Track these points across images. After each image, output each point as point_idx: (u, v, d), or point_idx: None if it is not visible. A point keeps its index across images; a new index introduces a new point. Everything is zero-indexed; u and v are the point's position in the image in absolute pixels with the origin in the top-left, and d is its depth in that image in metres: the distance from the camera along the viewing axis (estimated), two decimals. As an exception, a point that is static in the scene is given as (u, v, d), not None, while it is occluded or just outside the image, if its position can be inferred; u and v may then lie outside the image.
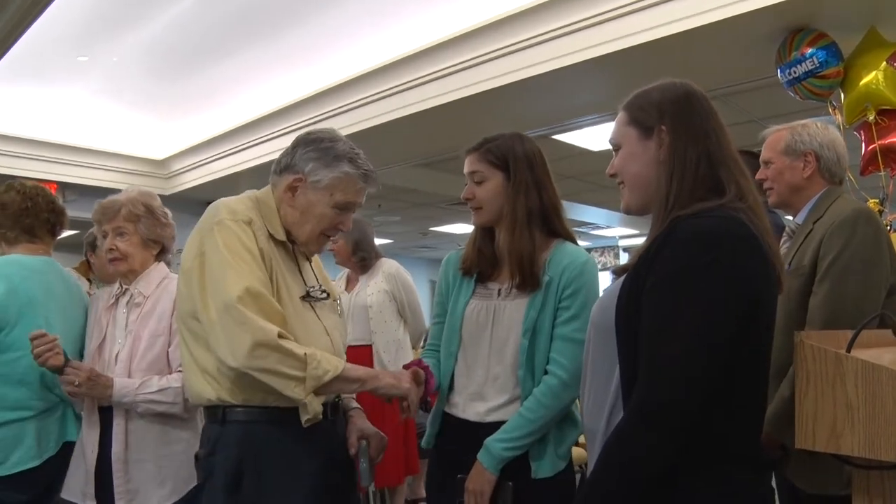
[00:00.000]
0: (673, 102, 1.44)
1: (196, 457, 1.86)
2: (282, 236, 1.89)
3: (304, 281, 1.95)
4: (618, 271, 1.49)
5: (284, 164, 1.92)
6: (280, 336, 1.67)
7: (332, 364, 1.71)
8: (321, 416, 1.74)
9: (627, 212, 1.54)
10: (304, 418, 1.71)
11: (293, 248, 1.94)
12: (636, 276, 1.36)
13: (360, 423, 2.00)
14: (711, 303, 1.24)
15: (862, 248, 2.11)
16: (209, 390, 1.77)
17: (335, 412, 1.93)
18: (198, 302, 1.74)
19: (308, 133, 1.95)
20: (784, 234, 2.44)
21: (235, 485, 1.75)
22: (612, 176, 1.54)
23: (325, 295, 1.98)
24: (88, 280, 3.68)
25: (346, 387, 1.81)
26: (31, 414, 2.36)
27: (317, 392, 1.71)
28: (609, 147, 1.57)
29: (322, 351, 1.75)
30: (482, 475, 1.89)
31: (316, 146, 1.89)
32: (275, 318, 1.70)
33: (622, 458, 1.26)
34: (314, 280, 2.01)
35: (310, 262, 2.05)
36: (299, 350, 1.67)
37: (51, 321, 2.40)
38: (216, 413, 1.80)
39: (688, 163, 1.39)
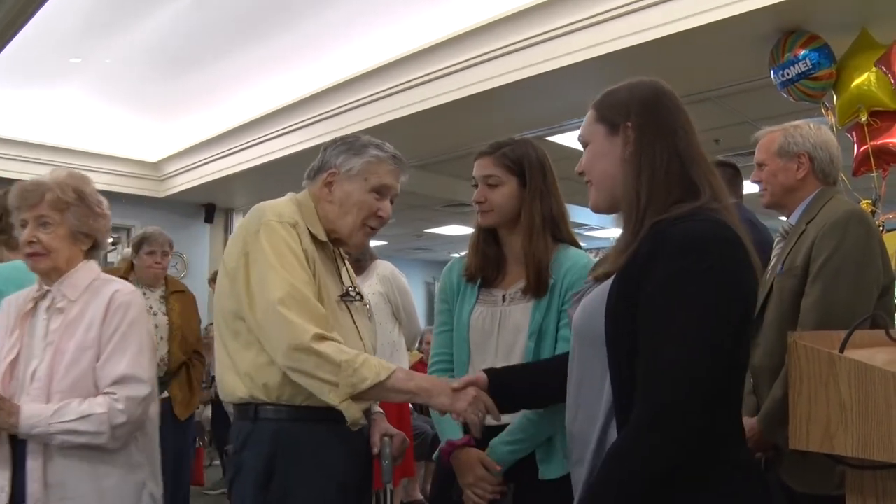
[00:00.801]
0: (640, 100, 1.43)
1: (225, 453, 1.90)
2: (323, 237, 1.92)
3: (341, 282, 2.00)
4: (599, 277, 1.47)
5: (316, 167, 1.99)
6: (321, 338, 1.68)
7: (374, 371, 1.68)
8: (363, 422, 1.77)
9: (596, 210, 1.53)
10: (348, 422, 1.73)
11: (333, 249, 1.99)
12: (626, 281, 1.34)
13: (384, 424, 2.03)
14: (711, 307, 1.24)
15: (854, 249, 2.11)
16: (242, 388, 1.80)
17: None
18: (244, 302, 1.78)
19: (335, 138, 2.04)
20: (777, 234, 2.44)
21: (265, 481, 1.77)
22: (581, 174, 1.53)
23: (360, 297, 2.04)
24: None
25: (391, 396, 1.76)
26: None
27: (357, 398, 1.69)
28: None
29: (370, 355, 1.75)
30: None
31: (342, 141, 1.99)
32: (319, 320, 1.73)
33: (628, 461, 1.25)
34: (350, 282, 2.05)
35: (346, 266, 2.10)
36: (337, 356, 1.67)
37: None
38: (248, 410, 1.81)
39: (657, 161, 1.38)
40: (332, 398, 1.67)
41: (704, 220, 1.31)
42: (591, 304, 1.44)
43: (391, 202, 2.00)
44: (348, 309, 1.97)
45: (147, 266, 3.86)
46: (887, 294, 2.20)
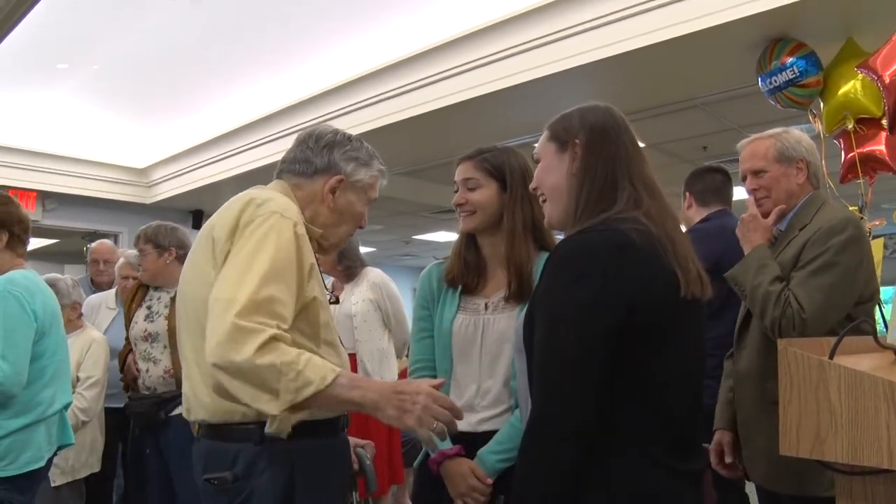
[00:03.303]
0: (590, 122, 1.54)
1: (211, 481, 1.64)
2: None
3: (324, 283, 1.92)
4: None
5: (321, 166, 1.83)
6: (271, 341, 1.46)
7: (319, 374, 1.45)
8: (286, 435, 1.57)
9: (549, 226, 1.63)
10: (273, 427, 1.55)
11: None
12: (533, 295, 1.47)
13: (350, 438, 1.99)
14: (579, 316, 1.33)
15: (846, 249, 2.12)
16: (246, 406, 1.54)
17: (348, 423, 1.89)
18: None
19: (330, 132, 1.89)
20: None
21: None
22: (534, 190, 1.63)
23: (336, 301, 1.99)
24: None
25: (333, 406, 1.56)
26: (42, 417, 2.49)
27: (295, 409, 1.47)
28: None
29: (313, 355, 1.51)
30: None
31: (351, 145, 1.86)
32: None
33: (523, 468, 1.37)
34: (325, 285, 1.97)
35: None
36: (279, 358, 1.44)
37: (61, 328, 2.64)
38: (248, 431, 1.62)
39: (596, 177, 1.48)
40: (270, 408, 1.44)
41: (593, 232, 1.40)
42: (523, 315, 1.55)
43: None
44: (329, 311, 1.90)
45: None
46: (870, 302, 2.22)
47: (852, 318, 2.15)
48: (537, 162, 1.61)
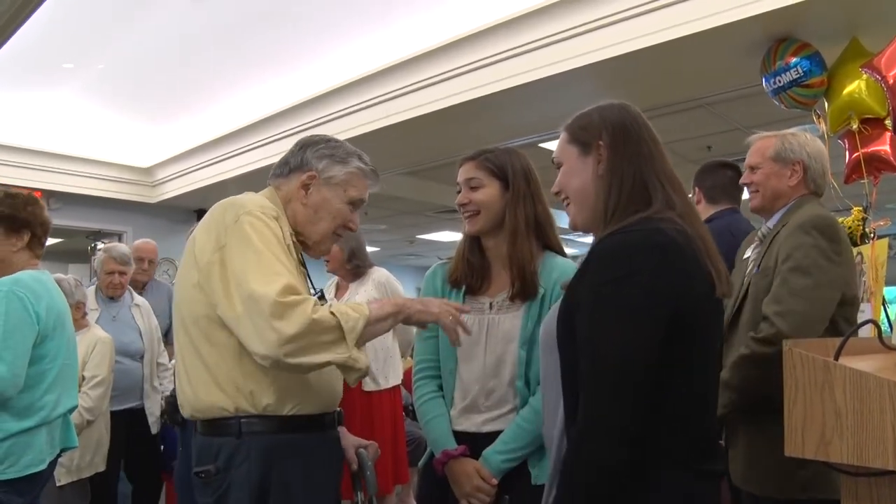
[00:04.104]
0: (611, 121, 1.51)
1: (198, 474, 1.72)
2: (290, 238, 1.83)
3: (311, 284, 1.97)
4: (565, 287, 1.54)
5: (294, 165, 1.92)
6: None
7: (360, 311, 1.67)
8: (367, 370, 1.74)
9: (574, 228, 1.59)
10: (353, 377, 1.70)
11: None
12: (569, 293, 1.44)
13: (352, 438, 2.02)
14: (632, 316, 1.30)
15: (814, 248, 2.13)
16: (225, 400, 1.68)
17: (341, 421, 1.93)
18: (219, 297, 1.65)
19: (311, 136, 1.98)
20: (756, 238, 2.46)
21: (262, 500, 1.68)
22: (557, 194, 1.60)
23: (324, 300, 2.01)
24: None
25: (380, 327, 1.74)
26: (45, 421, 2.47)
27: (358, 344, 1.67)
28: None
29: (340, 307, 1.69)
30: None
31: (326, 145, 1.93)
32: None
33: (571, 473, 1.32)
34: (313, 286, 2.01)
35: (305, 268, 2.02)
36: (331, 320, 1.62)
37: (68, 331, 2.61)
38: (229, 425, 1.69)
39: (624, 177, 1.46)
40: (340, 351, 1.63)
41: (637, 231, 1.37)
42: (552, 313, 1.55)
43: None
44: None
45: None
46: (852, 304, 2.22)
47: (849, 321, 2.16)
48: (558, 167, 1.58)
